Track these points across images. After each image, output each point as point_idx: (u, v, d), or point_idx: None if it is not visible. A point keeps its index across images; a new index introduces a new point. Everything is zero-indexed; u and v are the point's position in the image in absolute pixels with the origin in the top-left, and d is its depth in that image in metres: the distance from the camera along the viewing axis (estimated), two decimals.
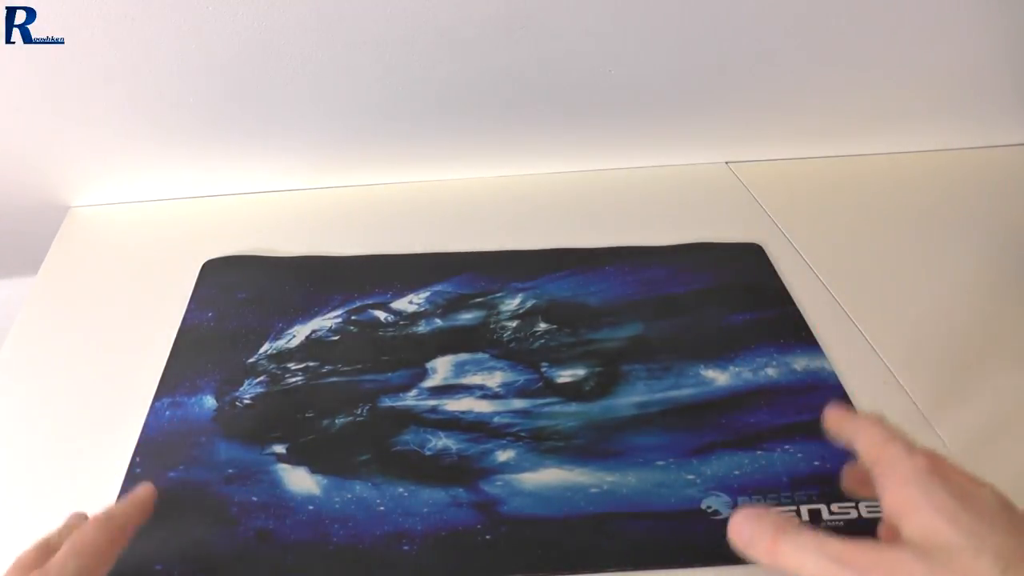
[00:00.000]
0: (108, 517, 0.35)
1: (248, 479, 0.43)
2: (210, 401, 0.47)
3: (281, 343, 0.51)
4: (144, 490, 0.38)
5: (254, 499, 0.42)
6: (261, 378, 0.49)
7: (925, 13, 0.61)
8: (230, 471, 0.43)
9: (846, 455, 0.44)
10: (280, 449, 0.45)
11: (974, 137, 0.73)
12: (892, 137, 0.72)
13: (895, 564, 0.26)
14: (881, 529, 0.33)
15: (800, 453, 0.44)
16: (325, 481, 0.43)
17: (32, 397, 0.48)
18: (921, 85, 0.67)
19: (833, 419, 0.36)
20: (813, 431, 0.45)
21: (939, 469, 0.29)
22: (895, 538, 0.28)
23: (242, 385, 0.48)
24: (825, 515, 0.41)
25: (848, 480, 0.37)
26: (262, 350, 0.51)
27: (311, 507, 0.41)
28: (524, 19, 0.56)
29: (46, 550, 0.33)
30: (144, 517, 0.37)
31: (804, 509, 0.41)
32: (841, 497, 0.41)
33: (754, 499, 0.41)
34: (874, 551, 0.27)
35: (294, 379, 0.49)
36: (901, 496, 0.28)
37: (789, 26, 0.60)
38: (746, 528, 0.30)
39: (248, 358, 0.50)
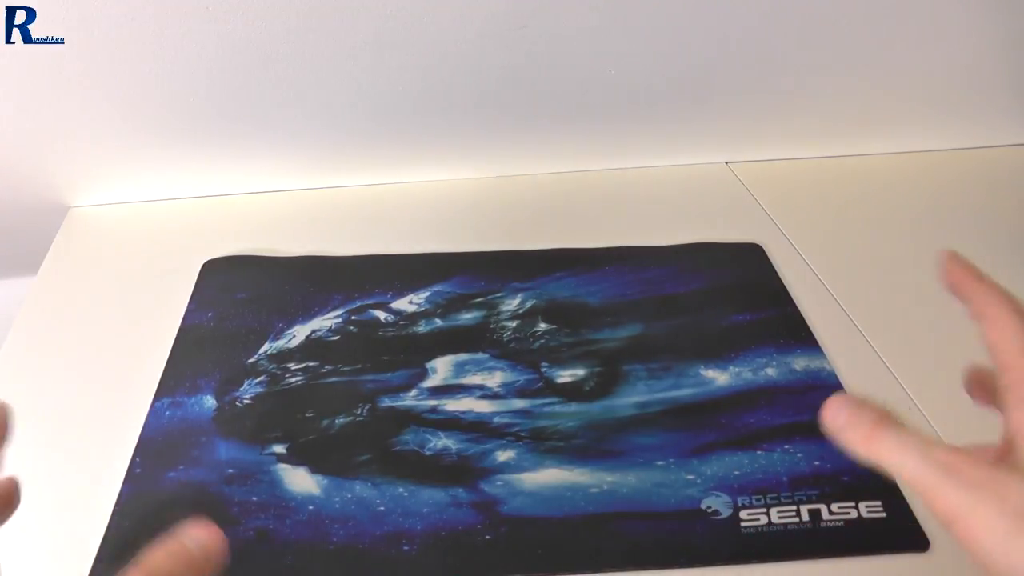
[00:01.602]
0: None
1: (248, 479, 0.43)
2: (210, 401, 0.47)
3: (281, 343, 0.51)
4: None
5: (254, 499, 0.42)
6: (261, 378, 0.49)
7: (924, 14, 0.61)
8: (230, 471, 0.43)
9: (846, 456, 0.44)
10: (280, 449, 0.45)
11: (974, 137, 0.73)
12: (892, 137, 0.72)
13: (1004, 486, 0.23)
14: (996, 447, 0.29)
15: (800, 453, 0.44)
16: (325, 481, 0.43)
17: (32, 397, 0.48)
18: (920, 85, 0.67)
19: (956, 275, 0.31)
20: (813, 431, 0.45)
21: None
22: (1008, 456, 0.26)
23: (242, 385, 0.48)
24: (825, 515, 0.41)
25: (971, 383, 0.33)
26: (262, 350, 0.51)
27: (311, 507, 0.41)
28: (524, 19, 0.56)
29: None
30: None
31: (804, 509, 0.41)
32: (841, 497, 0.41)
33: (754, 499, 0.41)
34: (984, 467, 0.24)
35: (294, 379, 0.49)
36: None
37: (789, 26, 0.60)
38: (844, 412, 0.27)
39: (248, 358, 0.50)
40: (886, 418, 0.26)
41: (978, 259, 0.62)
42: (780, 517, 0.41)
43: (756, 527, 0.40)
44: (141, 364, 0.50)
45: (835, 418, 0.28)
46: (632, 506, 0.41)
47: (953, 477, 0.23)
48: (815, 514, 0.41)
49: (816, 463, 0.43)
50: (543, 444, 0.45)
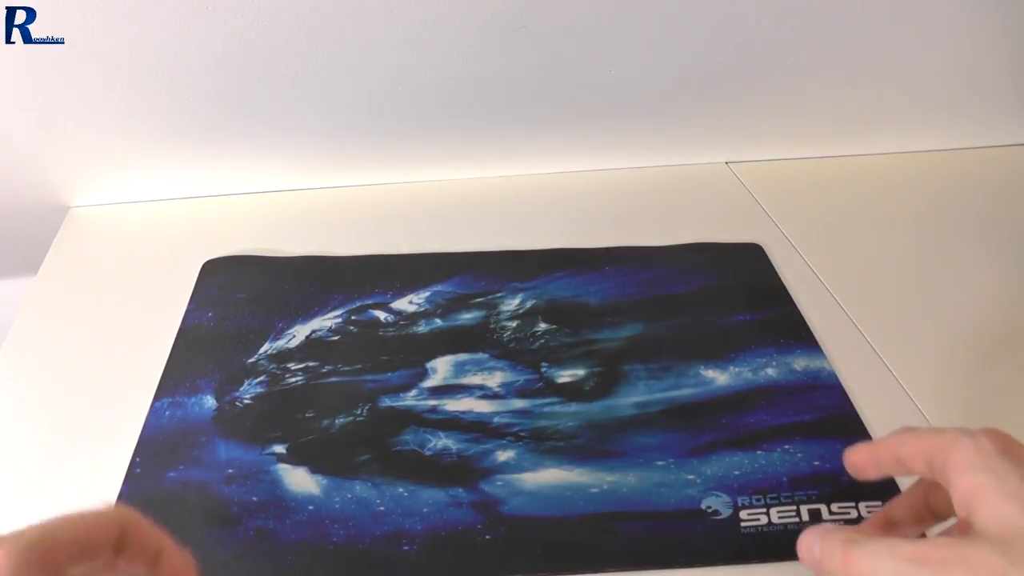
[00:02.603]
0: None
1: (248, 479, 0.43)
2: (210, 401, 0.47)
3: (281, 343, 0.51)
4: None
5: (254, 499, 0.42)
6: (261, 378, 0.49)
7: (925, 13, 0.61)
8: (230, 471, 0.43)
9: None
10: (280, 449, 0.44)
11: (974, 137, 0.73)
12: (892, 137, 0.72)
13: (973, 558, 0.24)
14: (953, 528, 0.31)
15: (800, 453, 0.44)
16: (325, 481, 0.43)
17: (32, 397, 0.48)
18: (921, 85, 0.67)
19: (860, 455, 0.33)
20: (813, 431, 0.45)
21: (1009, 449, 0.27)
22: (968, 531, 0.26)
23: (242, 385, 0.48)
24: (825, 515, 0.41)
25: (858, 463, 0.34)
26: (262, 350, 0.51)
27: (311, 507, 0.41)
28: (524, 19, 0.57)
29: None
30: None
31: (804, 509, 0.41)
32: (841, 497, 0.41)
33: (754, 499, 0.41)
34: (948, 546, 0.25)
35: (294, 379, 0.49)
36: (970, 484, 0.26)
37: (789, 26, 0.60)
38: (815, 547, 0.29)
39: (248, 358, 0.50)
40: (852, 537, 0.28)
41: (978, 258, 0.63)
42: (780, 517, 0.41)
43: (756, 527, 0.40)
44: (141, 364, 0.50)
45: (809, 553, 0.30)
46: (632, 506, 0.41)
47: (925, 566, 0.25)
48: (815, 514, 0.41)
49: (816, 463, 0.43)
50: (543, 444, 0.45)
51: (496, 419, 0.46)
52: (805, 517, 0.40)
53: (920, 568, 0.25)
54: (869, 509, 0.41)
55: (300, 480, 0.43)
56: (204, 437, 0.45)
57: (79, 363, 0.50)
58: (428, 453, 0.44)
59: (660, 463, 0.44)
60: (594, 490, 0.42)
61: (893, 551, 0.26)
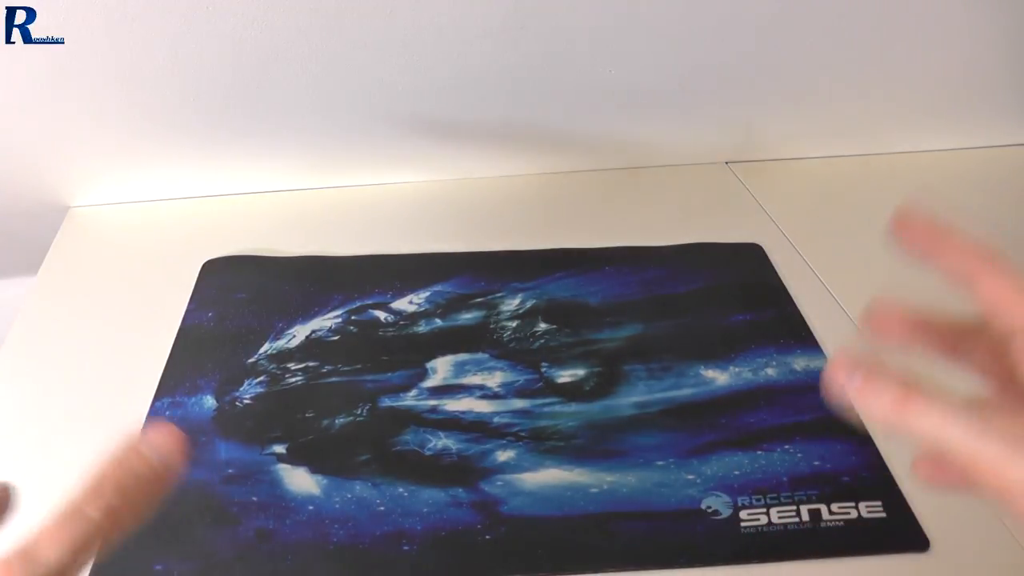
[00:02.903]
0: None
1: (248, 479, 0.43)
2: (210, 401, 0.47)
3: (281, 343, 0.51)
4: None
5: (254, 499, 0.42)
6: (261, 378, 0.49)
7: (925, 14, 0.61)
8: (230, 471, 0.43)
9: (846, 456, 0.43)
10: (280, 449, 0.45)
11: (974, 137, 0.73)
12: (892, 137, 0.72)
13: None
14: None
15: (800, 453, 0.44)
16: (325, 481, 0.43)
17: (32, 397, 0.48)
18: (921, 85, 0.67)
19: (917, 232, 0.28)
20: (813, 431, 0.45)
21: None
22: None
23: (242, 385, 0.48)
24: (825, 515, 0.41)
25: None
26: (262, 350, 0.51)
27: (311, 507, 0.41)
28: (524, 19, 0.56)
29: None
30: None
31: (804, 509, 0.41)
32: (841, 497, 0.41)
33: (754, 499, 0.41)
34: None
35: (294, 379, 0.49)
36: None
37: (789, 26, 0.60)
38: (857, 375, 0.24)
39: (248, 358, 0.50)
40: (914, 382, 0.23)
41: None
42: (780, 517, 0.41)
43: (756, 527, 0.40)
44: (141, 364, 0.50)
45: (849, 378, 0.24)
46: (632, 506, 0.41)
47: (1002, 443, 0.20)
48: (815, 514, 0.41)
49: (816, 463, 0.43)
50: (543, 444, 0.45)
51: (496, 419, 0.46)
52: (805, 517, 0.40)
53: (997, 444, 0.20)
54: (869, 509, 0.41)
55: (300, 480, 0.43)
56: (204, 437, 0.45)
57: (79, 363, 0.50)
58: (428, 453, 0.44)
59: (660, 463, 0.44)
60: (594, 490, 0.42)
61: (974, 415, 0.21)
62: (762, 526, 0.40)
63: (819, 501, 0.41)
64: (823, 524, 0.40)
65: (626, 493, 0.42)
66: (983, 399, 0.22)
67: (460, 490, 0.42)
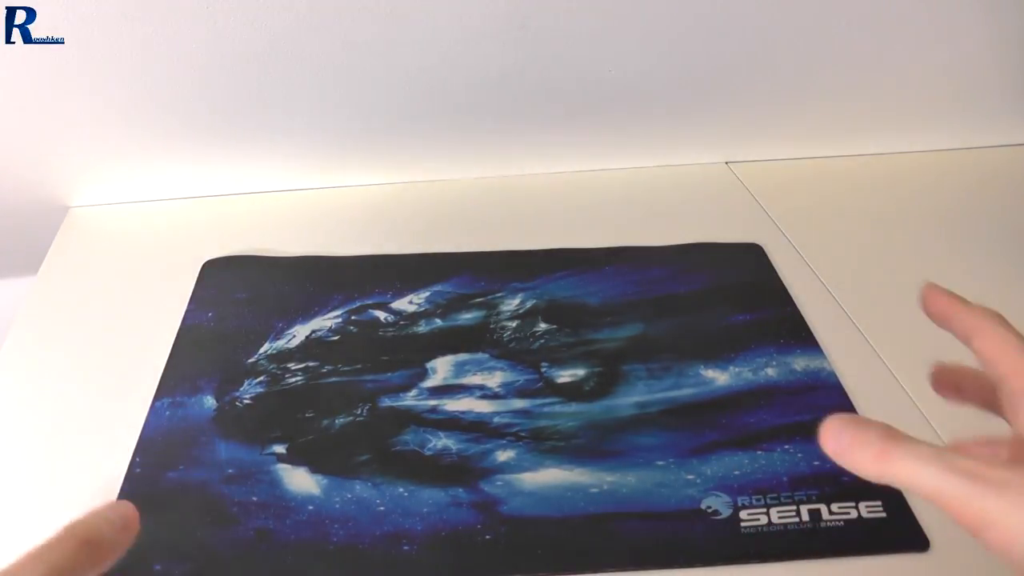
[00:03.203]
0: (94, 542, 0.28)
1: (248, 479, 0.43)
2: (210, 401, 0.47)
3: (281, 343, 0.51)
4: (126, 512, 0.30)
5: (254, 499, 0.42)
6: (261, 378, 0.49)
7: (924, 13, 0.61)
8: (230, 471, 0.43)
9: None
10: (280, 449, 0.45)
11: (974, 137, 0.73)
12: (892, 137, 0.72)
13: None
14: (1010, 448, 0.27)
15: (800, 453, 0.44)
16: (325, 481, 0.43)
17: (32, 397, 0.48)
18: (921, 85, 0.67)
19: (939, 304, 0.31)
20: (813, 431, 0.45)
21: None
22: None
23: (242, 385, 0.48)
24: (825, 515, 0.41)
25: (940, 382, 0.33)
26: (262, 350, 0.51)
27: (311, 507, 0.41)
28: (524, 19, 0.56)
29: None
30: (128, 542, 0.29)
31: (804, 509, 0.41)
32: (841, 497, 0.41)
33: (754, 499, 0.41)
34: (1006, 468, 0.22)
35: (294, 379, 0.49)
36: None
37: (789, 26, 0.60)
38: (847, 432, 0.26)
39: (248, 358, 0.50)
40: (894, 433, 0.25)
41: (978, 259, 0.63)
42: (780, 517, 0.41)
43: (756, 527, 0.40)
44: (141, 364, 0.50)
45: (837, 440, 0.26)
46: (632, 506, 0.41)
47: (981, 484, 0.22)
48: (815, 514, 0.41)
49: (816, 463, 0.43)
50: (543, 444, 0.45)
51: (496, 419, 0.46)
52: (805, 517, 0.40)
53: (975, 487, 0.22)
54: (869, 509, 0.41)
55: (300, 480, 0.43)
56: (204, 437, 0.45)
57: (79, 363, 0.50)
58: (428, 453, 0.44)
59: (660, 463, 0.44)
60: (594, 490, 0.42)
61: (942, 458, 0.23)
62: (762, 526, 0.40)
63: (819, 501, 0.41)
64: (823, 524, 0.40)
65: (626, 493, 0.42)
66: (957, 445, 0.25)
67: (460, 490, 0.42)
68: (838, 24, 0.61)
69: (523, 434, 0.46)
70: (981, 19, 0.62)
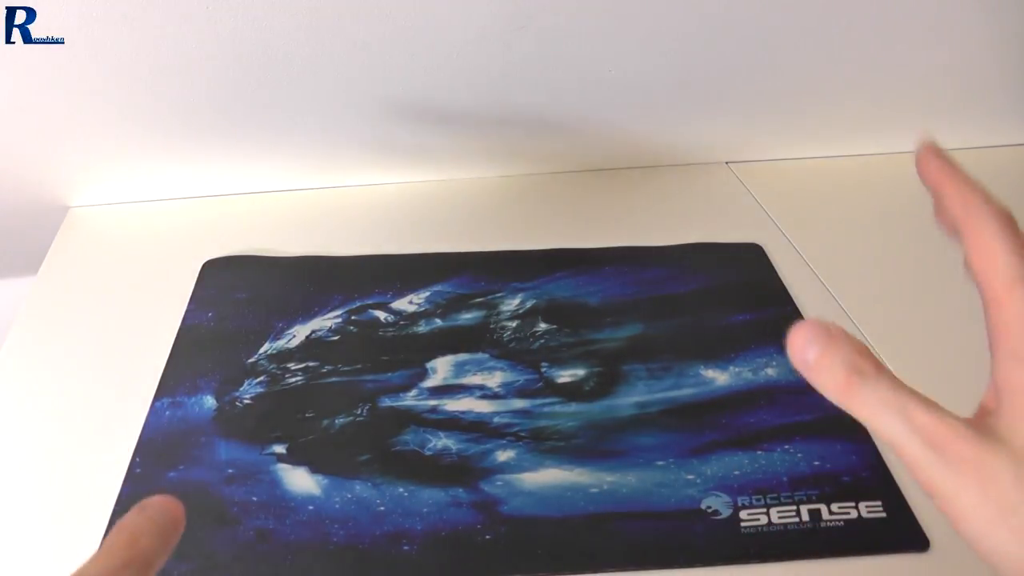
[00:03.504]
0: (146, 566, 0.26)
1: (248, 479, 0.43)
2: (210, 401, 0.47)
3: (281, 343, 0.51)
4: (170, 507, 0.28)
5: (254, 499, 0.42)
6: (261, 378, 0.49)
7: (925, 13, 0.61)
8: (230, 471, 0.43)
9: (846, 456, 0.44)
10: (280, 449, 0.45)
11: (974, 137, 0.73)
12: (892, 137, 0.72)
13: (989, 467, 0.21)
14: (986, 396, 0.26)
15: (800, 453, 0.44)
16: (325, 481, 0.43)
17: (32, 397, 0.48)
18: (920, 85, 0.67)
19: (931, 171, 0.26)
20: (813, 431, 0.45)
21: None
22: (992, 418, 0.23)
23: (242, 385, 0.48)
24: (825, 515, 0.41)
25: (943, 221, 0.27)
26: (262, 350, 0.51)
27: (311, 507, 0.41)
28: (524, 19, 0.56)
29: None
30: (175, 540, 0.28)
31: (804, 509, 0.41)
32: (841, 497, 0.41)
33: (754, 499, 0.41)
34: (966, 441, 0.22)
35: (294, 379, 0.49)
36: (1013, 377, 0.22)
37: (789, 27, 0.60)
38: (814, 348, 0.23)
39: (248, 358, 0.50)
40: (863, 364, 0.23)
41: None
42: (780, 517, 0.41)
43: (756, 527, 0.40)
44: (141, 364, 0.50)
45: (803, 353, 0.23)
46: (632, 506, 0.41)
47: (936, 453, 0.21)
48: (815, 514, 0.41)
49: (816, 463, 0.43)
50: (543, 444, 0.45)
51: (496, 419, 0.46)
52: (805, 517, 0.41)
53: (930, 454, 0.21)
54: (869, 509, 0.41)
55: (300, 480, 0.43)
56: (204, 437, 0.45)
57: (79, 363, 0.50)
58: (428, 453, 0.44)
59: (660, 463, 0.44)
60: (594, 490, 0.42)
61: (906, 412, 0.22)
62: (762, 526, 0.40)
63: (819, 501, 0.41)
64: (823, 524, 0.40)
65: (626, 493, 0.42)
66: (936, 409, 0.23)
67: (460, 490, 0.42)
68: (838, 24, 0.61)
69: (523, 434, 0.46)
70: (981, 19, 0.62)
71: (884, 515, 0.40)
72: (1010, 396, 0.22)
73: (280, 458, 0.44)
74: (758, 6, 0.58)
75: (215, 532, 0.40)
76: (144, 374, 0.49)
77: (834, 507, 0.41)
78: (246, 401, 0.47)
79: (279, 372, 0.49)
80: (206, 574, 0.38)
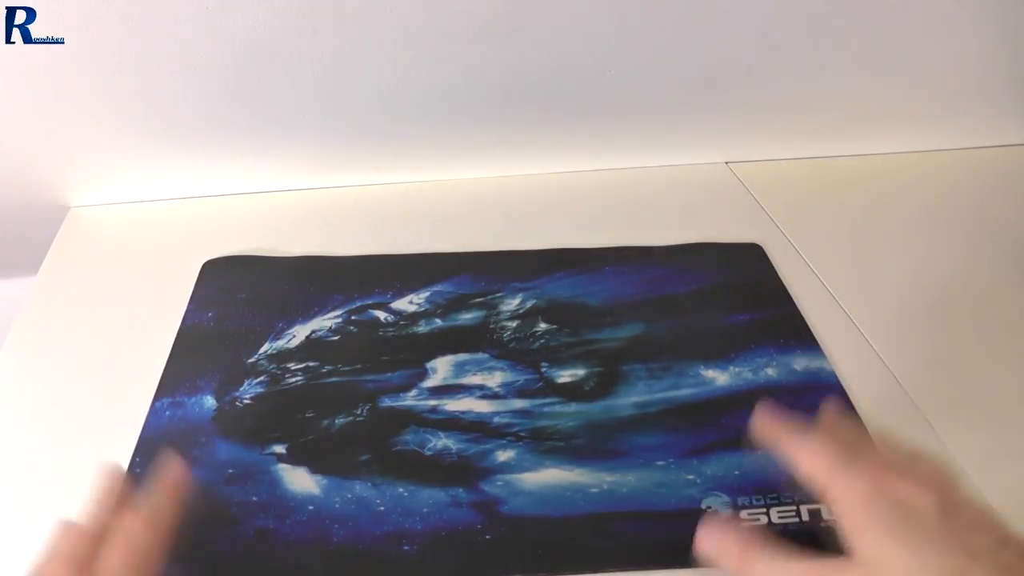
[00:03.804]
0: (155, 514, 0.35)
1: (248, 479, 0.43)
2: (210, 401, 0.47)
3: (281, 343, 0.51)
4: (177, 473, 0.37)
5: (254, 499, 0.42)
6: (261, 378, 0.49)
7: (925, 13, 0.61)
8: (230, 471, 0.43)
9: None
10: (280, 449, 0.45)
11: (974, 137, 0.73)
12: (892, 137, 0.72)
13: None
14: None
15: None
16: (325, 481, 0.43)
17: (32, 397, 0.48)
18: (921, 85, 0.67)
19: (766, 430, 0.37)
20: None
21: (883, 487, 0.31)
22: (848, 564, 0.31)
23: (242, 385, 0.48)
24: (825, 514, 0.41)
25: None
26: (262, 350, 0.51)
27: (311, 507, 0.41)
28: (523, 19, 0.56)
29: (88, 541, 0.33)
30: (183, 503, 0.36)
31: (804, 509, 0.41)
32: None
33: (754, 499, 0.41)
34: (831, 570, 0.30)
35: (294, 379, 0.49)
36: (851, 521, 0.31)
37: (789, 26, 0.60)
38: (714, 539, 0.33)
39: (248, 358, 0.50)
40: (749, 543, 0.32)
41: (978, 259, 0.63)
42: (780, 517, 0.41)
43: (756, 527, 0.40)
44: (141, 364, 0.50)
45: (708, 545, 0.34)
46: (632, 506, 0.41)
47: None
48: (815, 514, 0.41)
49: None
50: (543, 444, 0.45)
51: (496, 419, 0.46)
52: (805, 517, 0.40)
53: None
54: None
55: (300, 480, 0.43)
56: (204, 437, 0.45)
57: (79, 363, 0.50)
58: (428, 453, 0.44)
59: (660, 463, 0.44)
60: (594, 490, 0.42)
61: (787, 568, 0.31)
62: (762, 526, 0.40)
63: (819, 501, 0.41)
64: (823, 523, 0.40)
65: (626, 493, 0.42)
66: (810, 562, 0.31)
67: (460, 490, 0.42)
68: (838, 24, 0.61)
69: (523, 434, 0.46)
70: (981, 19, 0.62)
71: None
72: (855, 533, 0.30)
73: (280, 458, 0.44)
74: (758, 6, 0.58)
75: (215, 532, 0.40)
76: (144, 374, 0.49)
77: None
78: (246, 401, 0.47)
79: (279, 372, 0.49)
80: (206, 574, 0.38)
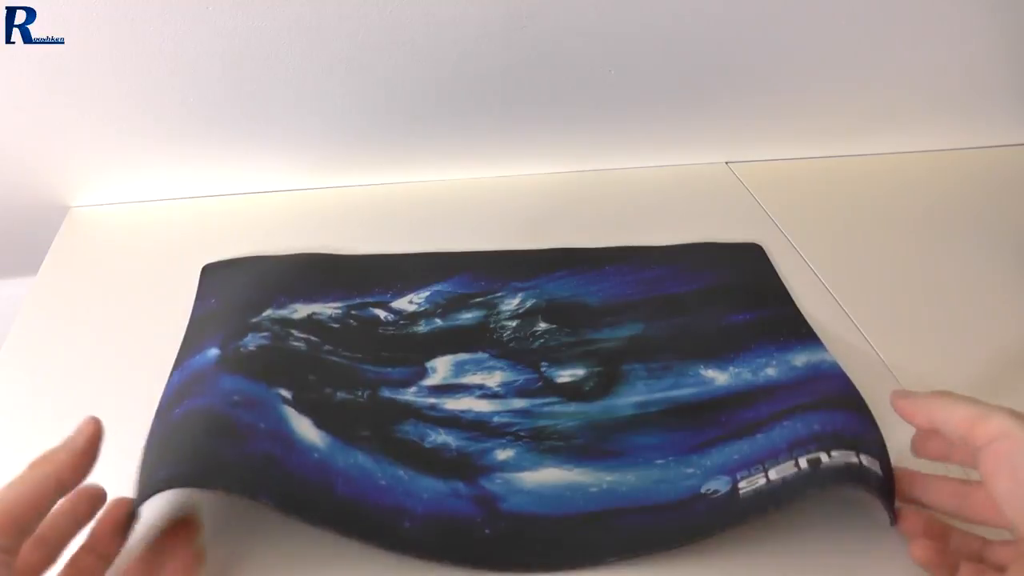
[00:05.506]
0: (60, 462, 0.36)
1: (255, 406, 0.41)
2: (214, 352, 0.46)
3: (284, 312, 0.50)
4: (92, 427, 0.37)
5: (261, 425, 0.40)
6: (264, 334, 0.47)
7: (925, 13, 0.61)
8: (235, 398, 0.41)
9: (847, 422, 0.41)
10: (286, 393, 0.43)
11: (974, 137, 0.73)
12: (892, 137, 0.72)
13: None
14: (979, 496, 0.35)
15: (800, 423, 0.42)
16: (329, 440, 0.41)
17: (32, 397, 0.48)
18: (921, 85, 0.67)
19: (903, 404, 0.37)
20: (814, 408, 0.43)
21: None
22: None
23: (246, 337, 0.47)
24: (825, 460, 0.38)
25: (920, 448, 0.39)
26: (265, 313, 0.49)
27: (316, 455, 0.40)
28: (524, 19, 0.57)
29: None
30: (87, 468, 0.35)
31: (803, 460, 0.39)
32: (842, 446, 0.39)
33: (752, 470, 0.40)
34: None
35: (297, 343, 0.48)
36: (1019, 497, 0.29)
37: (789, 26, 0.61)
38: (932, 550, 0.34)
39: (252, 318, 0.49)
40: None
41: (978, 259, 0.63)
42: (778, 473, 0.39)
43: (755, 489, 0.39)
44: (141, 364, 0.50)
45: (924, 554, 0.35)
46: (632, 502, 0.41)
47: None
48: (814, 462, 0.39)
49: (816, 427, 0.41)
50: (543, 444, 0.45)
51: (496, 419, 0.46)
52: (804, 466, 0.38)
53: None
54: (869, 462, 0.38)
55: (305, 429, 0.41)
56: (208, 377, 0.43)
57: (79, 364, 0.50)
58: (428, 446, 0.44)
59: (659, 462, 0.43)
60: (593, 490, 0.42)
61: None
62: (761, 487, 0.39)
63: (819, 451, 0.39)
64: (823, 466, 0.38)
65: (625, 492, 0.42)
66: None
67: (460, 484, 0.42)
68: (838, 24, 0.61)
69: (523, 434, 0.45)
70: (981, 19, 0.62)
71: (881, 475, 0.38)
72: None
73: (285, 401, 0.42)
74: (758, 6, 0.59)
75: (223, 443, 0.38)
76: (144, 374, 0.49)
77: (834, 453, 0.38)
78: (251, 348, 0.46)
79: (283, 333, 0.48)
80: (212, 477, 0.36)
